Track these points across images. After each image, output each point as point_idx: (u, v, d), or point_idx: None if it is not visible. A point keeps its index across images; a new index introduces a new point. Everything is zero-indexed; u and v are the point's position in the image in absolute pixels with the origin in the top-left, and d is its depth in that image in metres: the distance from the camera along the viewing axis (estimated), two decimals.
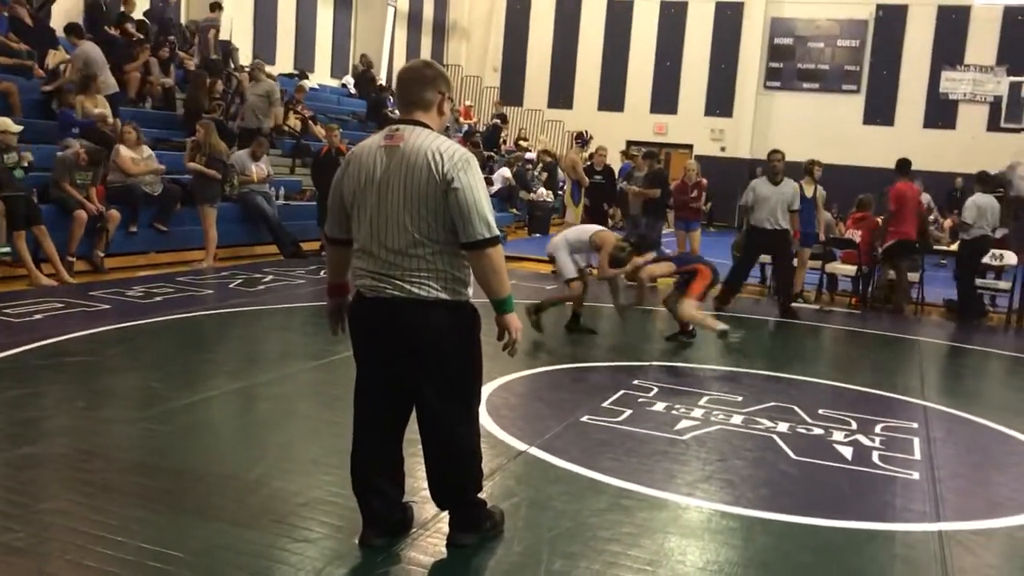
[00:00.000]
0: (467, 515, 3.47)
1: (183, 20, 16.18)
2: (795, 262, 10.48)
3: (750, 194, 9.96)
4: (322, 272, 10.10)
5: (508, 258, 14.45)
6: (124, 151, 10.08)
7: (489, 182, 17.13)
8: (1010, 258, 11.10)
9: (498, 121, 22.12)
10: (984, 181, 10.83)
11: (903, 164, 10.76)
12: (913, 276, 11.14)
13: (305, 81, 17.24)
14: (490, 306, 3.29)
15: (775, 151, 10.12)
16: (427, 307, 3.17)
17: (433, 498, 3.51)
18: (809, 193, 10.89)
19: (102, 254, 9.53)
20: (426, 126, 3.24)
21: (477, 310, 3.34)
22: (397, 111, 3.67)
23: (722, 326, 7.42)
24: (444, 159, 3.12)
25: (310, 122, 15.40)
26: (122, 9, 13.67)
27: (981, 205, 10.46)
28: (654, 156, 12.94)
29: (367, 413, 3.40)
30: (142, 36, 13.44)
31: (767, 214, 9.72)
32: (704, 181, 12.29)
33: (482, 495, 3.54)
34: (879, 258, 10.86)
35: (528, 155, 21.13)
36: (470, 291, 3.30)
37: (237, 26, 17.13)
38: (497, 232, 3.21)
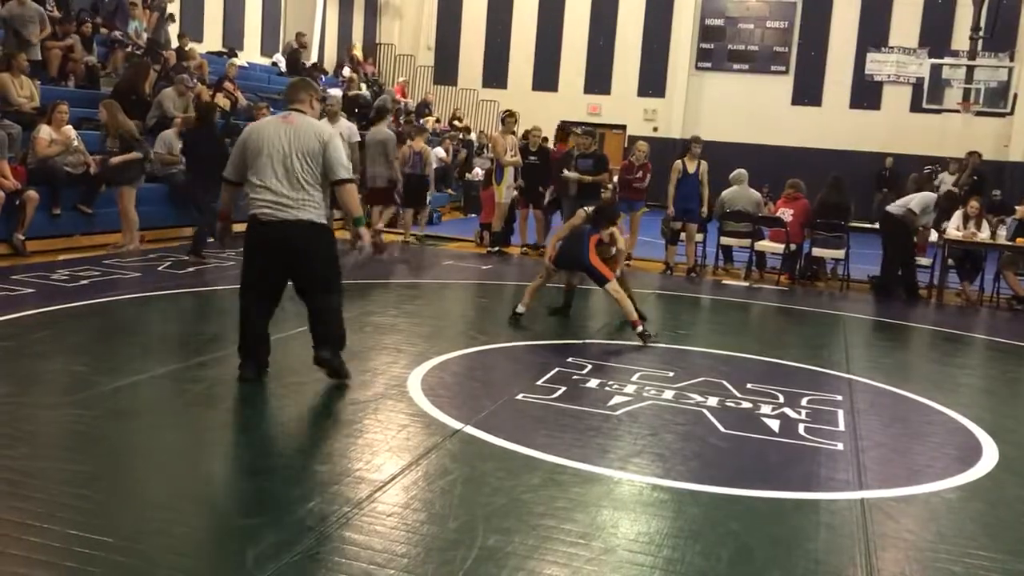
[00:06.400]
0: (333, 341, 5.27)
1: None
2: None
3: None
4: None
5: (444, 239, 14.38)
6: (45, 131, 9.75)
7: None
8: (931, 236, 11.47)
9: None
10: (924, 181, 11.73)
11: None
12: (839, 253, 11.43)
13: (235, 59, 16.89)
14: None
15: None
16: (310, 225, 4.99)
17: (315, 339, 5.22)
18: (692, 169, 11.53)
19: (23, 237, 9.24)
20: (304, 113, 5.17)
21: (333, 229, 5.18)
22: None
23: (640, 328, 7.15)
24: (324, 133, 5.09)
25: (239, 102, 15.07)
26: None
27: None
28: (593, 135, 12.89)
29: (253, 301, 5.17)
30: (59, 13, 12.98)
31: None
32: (649, 164, 12.21)
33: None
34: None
35: (470, 136, 20.99)
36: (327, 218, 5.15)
37: None
38: (352, 175, 5.20)
